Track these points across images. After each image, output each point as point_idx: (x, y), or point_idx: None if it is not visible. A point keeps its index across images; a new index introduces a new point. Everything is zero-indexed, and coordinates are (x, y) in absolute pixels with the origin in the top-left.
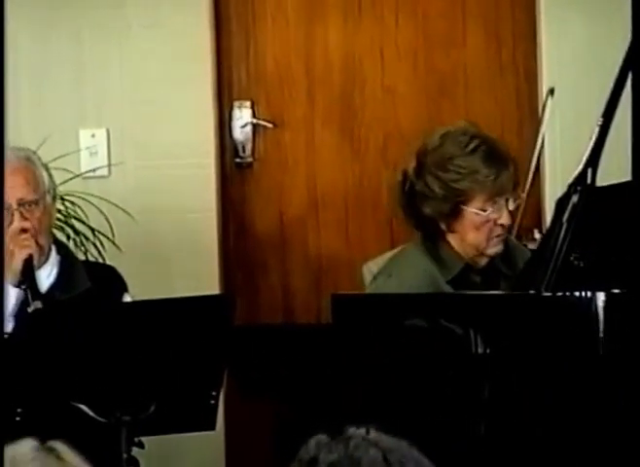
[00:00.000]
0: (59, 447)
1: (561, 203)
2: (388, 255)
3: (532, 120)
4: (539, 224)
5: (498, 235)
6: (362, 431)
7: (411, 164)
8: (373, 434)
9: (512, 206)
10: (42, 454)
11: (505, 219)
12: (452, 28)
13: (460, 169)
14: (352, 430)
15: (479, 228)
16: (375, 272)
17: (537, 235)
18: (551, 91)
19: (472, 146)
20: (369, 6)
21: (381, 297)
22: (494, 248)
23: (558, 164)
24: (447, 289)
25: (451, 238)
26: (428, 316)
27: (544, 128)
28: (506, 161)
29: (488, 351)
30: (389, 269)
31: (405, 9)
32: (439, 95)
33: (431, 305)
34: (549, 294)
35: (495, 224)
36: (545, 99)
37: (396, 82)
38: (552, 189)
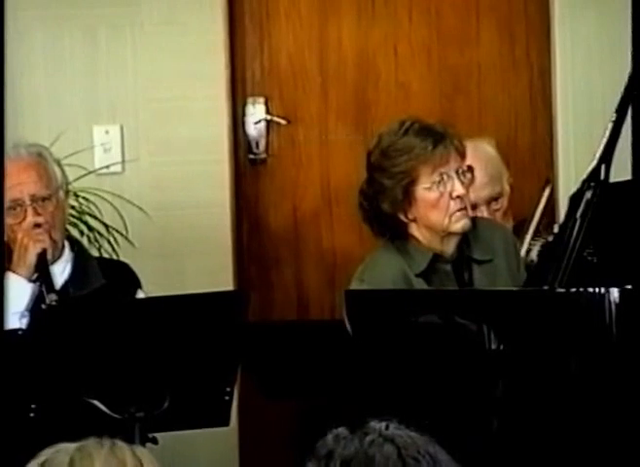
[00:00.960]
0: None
1: (575, 199)
2: None
3: (545, 115)
4: (553, 219)
5: (459, 210)
6: (382, 425)
7: (363, 179)
8: (393, 429)
9: (463, 178)
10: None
11: (459, 190)
12: (466, 25)
13: (398, 152)
14: (372, 424)
15: (435, 205)
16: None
17: (556, 230)
18: (547, 182)
19: (404, 128)
20: (382, 2)
21: (395, 293)
22: (459, 223)
23: (572, 160)
24: (419, 283)
25: (415, 231)
26: (441, 312)
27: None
28: (441, 133)
29: (501, 347)
30: (361, 274)
31: (418, 5)
32: (452, 92)
33: (444, 301)
34: (562, 290)
35: (451, 197)
36: (541, 189)
37: (410, 78)
38: (566, 184)
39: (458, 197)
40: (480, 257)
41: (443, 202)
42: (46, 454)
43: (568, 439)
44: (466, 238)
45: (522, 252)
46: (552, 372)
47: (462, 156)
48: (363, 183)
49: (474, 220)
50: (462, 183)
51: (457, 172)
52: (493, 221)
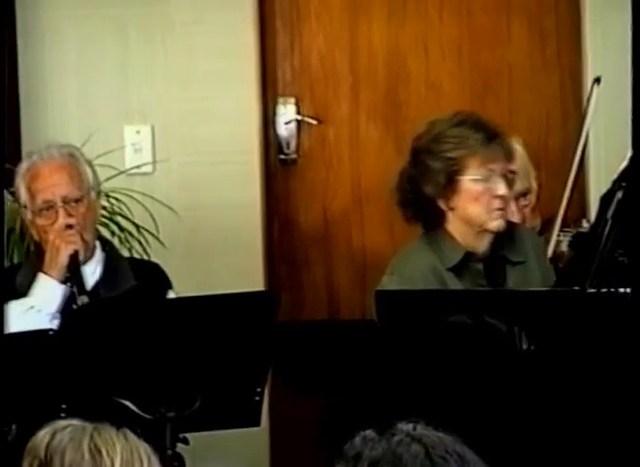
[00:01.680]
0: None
1: (606, 199)
2: None
3: (576, 115)
4: (584, 216)
5: (498, 209)
6: (409, 427)
7: (406, 160)
8: (420, 429)
9: (508, 180)
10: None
11: (502, 190)
12: (497, 24)
13: (451, 139)
14: (400, 426)
15: (477, 198)
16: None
17: (585, 224)
18: (597, 80)
19: (458, 119)
20: (413, 2)
21: (425, 293)
22: (495, 222)
23: (602, 160)
24: (450, 277)
25: (450, 224)
26: (472, 313)
27: (589, 118)
28: (495, 130)
29: (532, 348)
30: (392, 267)
31: (449, 5)
32: (483, 91)
33: (475, 301)
34: (593, 290)
35: (493, 196)
36: (590, 88)
37: (440, 78)
38: (597, 182)
39: (500, 196)
40: (514, 258)
41: (484, 198)
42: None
43: (600, 439)
44: (500, 239)
45: (552, 244)
46: (584, 372)
47: (509, 159)
48: (405, 164)
49: (508, 223)
50: (506, 184)
51: (503, 173)
52: (525, 227)
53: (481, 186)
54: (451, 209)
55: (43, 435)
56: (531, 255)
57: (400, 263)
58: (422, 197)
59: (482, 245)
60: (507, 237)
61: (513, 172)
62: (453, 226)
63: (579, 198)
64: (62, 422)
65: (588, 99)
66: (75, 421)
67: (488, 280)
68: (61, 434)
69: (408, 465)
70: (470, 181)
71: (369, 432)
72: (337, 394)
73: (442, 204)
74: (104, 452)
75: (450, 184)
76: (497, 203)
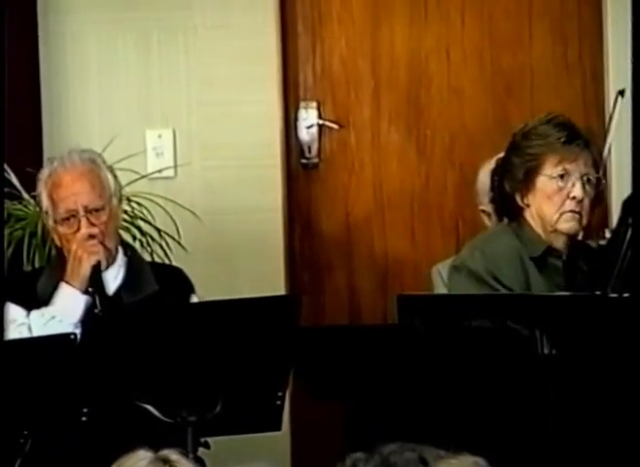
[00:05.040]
0: (173, 456)
1: (628, 204)
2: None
3: (599, 119)
4: (606, 224)
5: (571, 211)
6: (397, 444)
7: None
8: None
9: (588, 185)
10: (157, 465)
11: (578, 192)
12: (518, 28)
13: (536, 135)
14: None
15: (551, 197)
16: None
17: (607, 234)
18: (621, 93)
19: (549, 117)
20: (435, 6)
21: (447, 297)
22: (567, 224)
23: (625, 165)
24: (531, 266)
25: (530, 218)
26: (494, 317)
27: (612, 132)
28: (580, 133)
29: (554, 352)
30: (475, 244)
31: (471, 9)
32: (505, 95)
33: (496, 305)
34: (615, 295)
35: (568, 197)
36: (614, 101)
37: (462, 82)
38: (619, 192)
39: (574, 197)
40: (586, 268)
41: (558, 197)
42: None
43: (622, 444)
44: (578, 247)
45: None
46: (606, 377)
47: (596, 167)
48: (498, 161)
49: (586, 238)
50: (584, 188)
51: (582, 176)
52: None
53: (556, 184)
54: (527, 206)
55: None
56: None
57: (485, 240)
58: (503, 192)
59: (558, 244)
60: (584, 248)
61: (598, 180)
62: (533, 221)
63: (601, 208)
64: (137, 455)
65: (612, 112)
66: (146, 453)
67: (566, 280)
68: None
69: None
70: (545, 178)
71: (358, 454)
72: (357, 400)
73: (519, 200)
74: None
75: (528, 180)
76: (570, 205)
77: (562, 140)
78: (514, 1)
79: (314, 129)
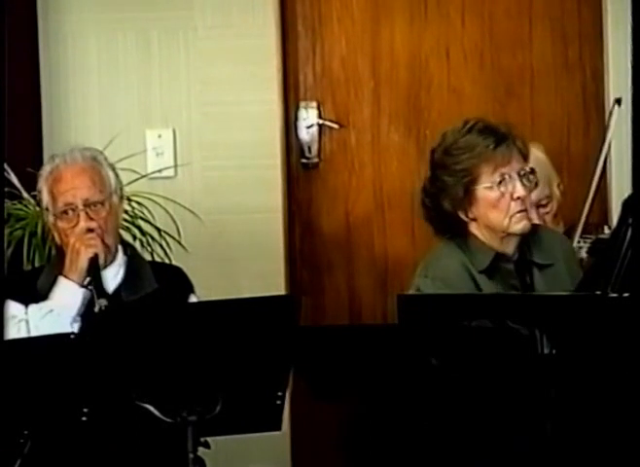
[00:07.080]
0: None
1: (628, 205)
2: None
3: (598, 119)
4: (606, 222)
5: (519, 211)
6: None
7: (426, 175)
8: None
9: (525, 180)
10: None
11: (520, 192)
12: (518, 28)
13: (460, 150)
14: None
15: (495, 205)
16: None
17: (607, 231)
18: (618, 102)
19: (467, 127)
20: (435, 6)
21: (447, 297)
22: (518, 225)
23: (625, 165)
24: (481, 279)
25: (476, 230)
26: (493, 317)
27: (610, 136)
28: (504, 133)
29: (554, 352)
30: (424, 270)
31: (471, 9)
32: (505, 95)
33: (496, 305)
34: (615, 295)
35: (512, 199)
36: (611, 109)
37: (462, 82)
38: (619, 189)
39: (519, 198)
40: (541, 261)
41: (503, 203)
42: None
43: (621, 443)
44: (527, 242)
45: None
46: (605, 376)
47: (525, 158)
48: (425, 181)
49: (534, 225)
50: (523, 185)
51: (519, 174)
52: (553, 229)
53: (497, 191)
54: (473, 220)
55: None
56: (559, 257)
57: (432, 265)
58: (443, 211)
59: (510, 248)
60: (533, 240)
61: (531, 170)
62: (479, 231)
63: (601, 205)
64: None
65: (609, 120)
66: None
67: (520, 282)
68: None
69: None
70: (484, 189)
71: None
72: (357, 399)
73: (462, 216)
74: None
75: (467, 195)
76: (517, 206)
77: (491, 146)
78: (514, 1)
79: (314, 129)
